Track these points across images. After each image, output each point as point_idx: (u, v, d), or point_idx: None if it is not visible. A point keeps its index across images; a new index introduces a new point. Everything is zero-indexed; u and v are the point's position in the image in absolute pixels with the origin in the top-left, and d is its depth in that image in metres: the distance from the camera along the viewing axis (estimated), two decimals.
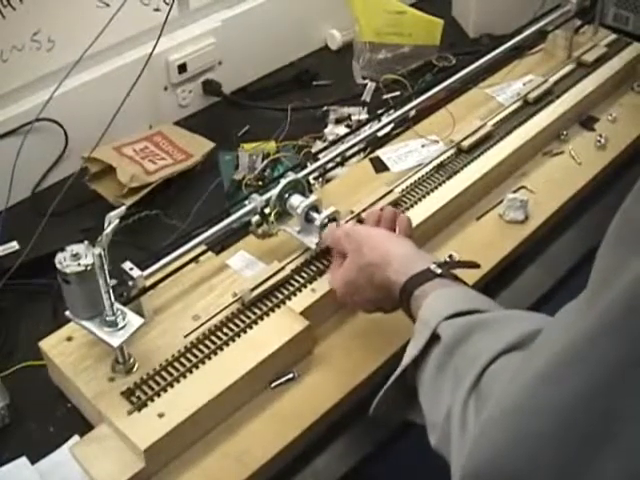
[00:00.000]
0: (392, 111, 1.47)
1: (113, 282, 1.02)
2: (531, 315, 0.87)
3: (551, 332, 0.70)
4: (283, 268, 1.17)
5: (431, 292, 0.94)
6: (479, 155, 1.41)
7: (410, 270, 0.98)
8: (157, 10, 1.54)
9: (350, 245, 1.08)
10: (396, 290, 0.98)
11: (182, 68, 1.61)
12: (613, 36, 1.73)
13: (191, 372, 1.04)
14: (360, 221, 1.22)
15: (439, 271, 0.97)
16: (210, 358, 1.06)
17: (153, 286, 1.12)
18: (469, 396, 0.76)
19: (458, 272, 1.01)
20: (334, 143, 1.42)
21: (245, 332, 1.10)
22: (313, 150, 1.49)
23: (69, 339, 1.09)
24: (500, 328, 0.83)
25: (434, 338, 0.86)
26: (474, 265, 1.07)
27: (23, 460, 1.03)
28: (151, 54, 1.27)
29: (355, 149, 1.41)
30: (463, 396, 0.76)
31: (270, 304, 1.13)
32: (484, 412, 0.73)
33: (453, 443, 0.76)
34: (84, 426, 1.06)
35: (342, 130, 1.56)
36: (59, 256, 0.98)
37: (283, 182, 1.19)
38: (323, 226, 1.17)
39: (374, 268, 1.02)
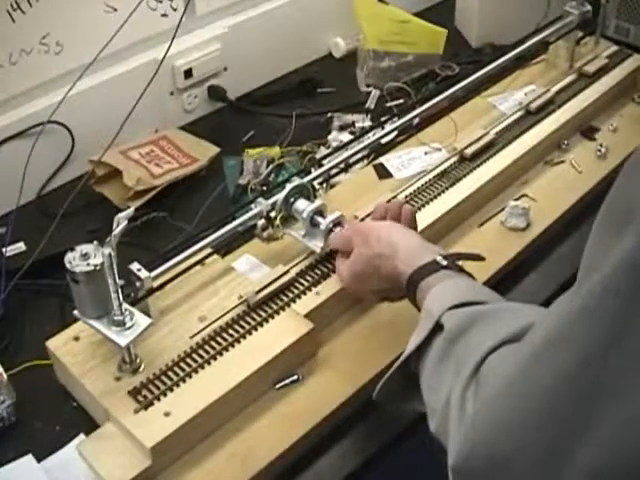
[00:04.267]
0: (396, 119, 1.48)
1: (121, 282, 1.03)
2: (532, 307, 0.89)
3: (542, 320, 0.73)
4: (288, 271, 1.18)
5: (436, 283, 0.95)
6: (481, 163, 1.42)
7: (416, 261, 0.99)
8: (164, 15, 1.56)
9: (357, 238, 1.09)
10: (403, 281, 1.00)
11: (188, 73, 1.62)
12: (614, 47, 1.74)
13: (197, 372, 1.06)
14: None
15: (445, 263, 0.98)
16: (215, 359, 1.07)
17: (160, 287, 1.13)
18: (468, 384, 0.78)
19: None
20: (338, 149, 1.43)
21: (250, 334, 1.11)
22: (317, 156, 1.51)
23: (76, 339, 1.10)
24: (502, 319, 0.84)
25: (437, 327, 0.88)
26: (478, 257, 1.08)
27: (29, 458, 1.04)
28: (163, 59, 1.29)
29: (359, 156, 1.42)
30: (463, 383, 0.78)
31: (275, 307, 1.14)
32: (479, 397, 0.75)
33: (451, 428, 0.77)
34: (90, 425, 1.07)
35: (346, 137, 1.57)
36: (68, 256, 0.99)
37: (289, 186, 1.21)
38: (328, 231, 1.18)
39: (381, 259, 1.04)
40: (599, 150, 1.50)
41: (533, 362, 0.67)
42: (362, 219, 1.25)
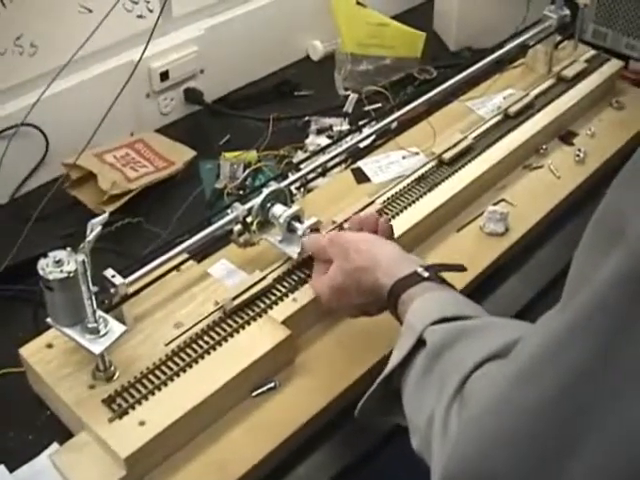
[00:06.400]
0: (373, 122, 1.47)
1: (95, 289, 1.02)
2: (516, 323, 0.88)
3: (528, 337, 0.71)
4: (265, 277, 1.17)
5: (418, 296, 0.94)
6: (460, 168, 1.42)
7: (397, 273, 0.98)
8: (141, 17, 1.54)
9: (335, 251, 1.08)
10: (384, 294, 0.98)
11: (164, 76, 1.61)
12: (592, 52, 1.74)
13: (172, 380, 1.04)
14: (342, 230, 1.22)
15: (426, 274, 0.97)
16: (191, 366, 1.06)
17: (135, 294, 1.11)
18: (452, 401, 0.77)
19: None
20: (315, 154, 1.42)
21: (226, 341, 1.09)
22: (294, 160, 1.49)
23: (49, 346, 1.08)
24: (485, 336, 0.83)
25: (420, 343, 0.87)
26: (461, 268, 1.07)
27: (1, 468, 1.02)
28: (139, 61, 1.27)
29: (336, 160, 1.41)
30: (446, 401, 0.77)
31: (252, 313, 1.13)
32: (464, 415, 0.74)
33: (434, 446, 0.76)
34: (64, 434, 1.05)
35: (323, 141, 1.56)
36: (42, 262, 0.97)
37: (266, 191, 1.19)
38: (305, 236, 1.17)
39: (361, 272, 1.02)
40: (577, 155, 1.50)
41: (520, 379, 0.66)
42: (340, 224, 1.24)
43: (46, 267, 0.97)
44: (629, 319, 0.58)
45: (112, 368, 1.05)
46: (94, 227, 0.97)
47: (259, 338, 1.10)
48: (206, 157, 1.55)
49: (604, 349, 0.59)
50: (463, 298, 0.96)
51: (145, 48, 1.26)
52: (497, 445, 0.65)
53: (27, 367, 1.09)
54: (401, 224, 1.28)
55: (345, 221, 1.23)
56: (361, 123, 1.51)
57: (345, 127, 1.61)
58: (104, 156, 1.47)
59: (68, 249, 0.98)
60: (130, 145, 1.53)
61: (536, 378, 0.64)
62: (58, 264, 0.97)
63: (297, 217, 1.19)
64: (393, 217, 1.30)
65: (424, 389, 0.83)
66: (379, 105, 1.70)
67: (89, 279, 0.97)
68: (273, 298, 1.15)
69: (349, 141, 1.41)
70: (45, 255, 0.98)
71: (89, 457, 0.99)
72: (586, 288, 0.61)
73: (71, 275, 0.96)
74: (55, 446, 1.05)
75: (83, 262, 0.95)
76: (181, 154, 1.53)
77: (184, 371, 1.05)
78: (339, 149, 1.39)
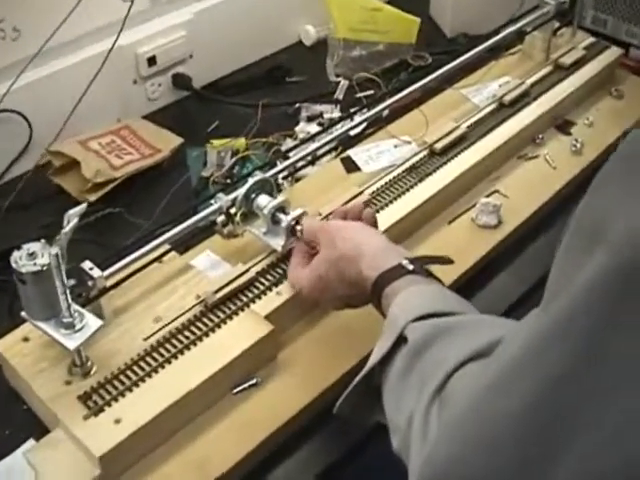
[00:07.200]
0: (365, 110, 1.44)
1: (72, 282, 0.99)
2: (502, 321, 0.85)
3: (509, 339, 0.70)
4: (248, 270, 1.14)
5: (401, 290, 0.91)
6: (452, 157, 1.39)
7: (382, 265, 0.95)
8: (126, 0, 1.50)
9: (323, 237, 1.05)
10: (367, 286, 0.96)
11: (152, 61, 1.58)
12: (591, 39, 1.71)
13: (150, 376, 1.01)
14: None
15: (411, 267, 0.94)
16: (170, 362, 1.03)
17: (114, 286, 1.08)
18: (432, 402, 0.75)
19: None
20: (305, 141, 1.39)
21: (207, 336, 1.07)
22: (283, 148, 1.47)
23: (25, 340, 1.06)
24: (468, 334, 0.80)
25: (401, 339, 0.84)
26: (447, 261, 1.04)
27: None
28: (112, 46, 1.24)
29: (326, 148, 1.38)
30: (426, 401, 0.75)
31: (234, 307, 1.10)
32: (444, 416, 0.72)
33: (413, 448, 0.74)
34: (41, 429, 1.03)
35: (314, 128, 1.53)
36: (15, 255, 0.94)
37: (250, 182, 1.16)
38: (290, 228, 1.13)
39: (346, 262, 0.99)
40: (574, 145, 1.47)
41: (501, 381, 0.64)
42: (326, 216, 1.21)
43: (19, 260, 0.94)
44: (612, 318, 0.57)
45: (89, 363, 1.02)
46: (71, 218, 0.94)
47: (241, 333, 1.07)
48: (193, 144, 1.52)
49: (586, 351, 0.58)
50: (449, 292, 0.94)
51: (119, 32, 1.24)
52: (477, 449, 0.64)
53: (3, 361, 1.06)
54: (391, 215, 1.25)
55: (331, 213, 1.20)
56: (352, 110, 1.48)
57: (336, 114, 1.58)
58: (89, 143, 1.43)
59: (42, 241, 0.95)
60: (116, 132, 1.50)
61: (517, 381, 0.62)
62: (32, 257, 0.94)
63: (282, 208, 1.15)
64: (383, 208, 1.27)
65: (404, 388, 0.81)
66: (371, 92, 1.66)
67: (63, 273, 0.94)
68: (256, 292, 1.12)
69: (339, 129, 1.38)
70: (18, 247, 0.95)
71: (64, 455, 0.96)
72: (568, 289, 0.60)
73: (44, 268, 0.93)
74: (31, 442, 1.02)
75: (57, 255, 0.92)
76: (168, 141, 1.50)
77: (163, 367, 1.02)
78: (329, 137, 1.35)
